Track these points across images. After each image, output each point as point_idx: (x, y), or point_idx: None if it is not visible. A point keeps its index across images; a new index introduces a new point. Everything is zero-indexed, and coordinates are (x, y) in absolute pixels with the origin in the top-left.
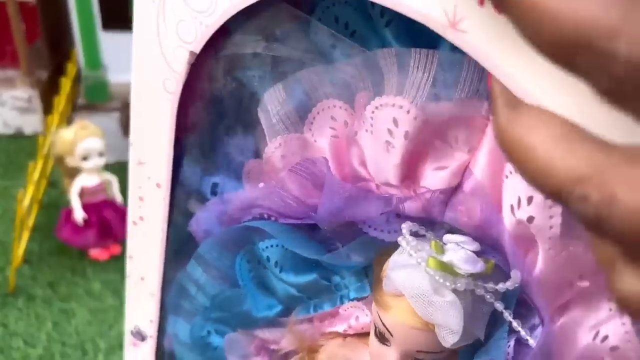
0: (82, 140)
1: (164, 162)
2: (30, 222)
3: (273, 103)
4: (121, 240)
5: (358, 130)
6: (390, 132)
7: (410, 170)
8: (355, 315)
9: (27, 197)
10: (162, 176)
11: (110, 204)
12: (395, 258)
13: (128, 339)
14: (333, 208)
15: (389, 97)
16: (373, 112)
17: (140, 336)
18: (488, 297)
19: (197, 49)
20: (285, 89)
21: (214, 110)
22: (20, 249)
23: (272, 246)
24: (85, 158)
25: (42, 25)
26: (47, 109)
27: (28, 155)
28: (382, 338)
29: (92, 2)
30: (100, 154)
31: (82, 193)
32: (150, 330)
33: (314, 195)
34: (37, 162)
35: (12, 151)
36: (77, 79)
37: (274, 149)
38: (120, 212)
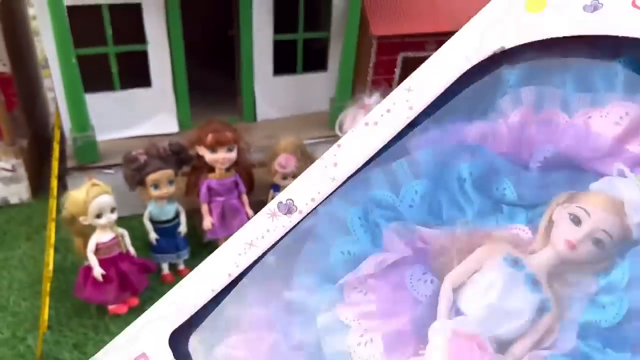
0: (94, 198)
1: None
2: (48, 288)
3: None
4: (140, 292)
5: None
6: None
7: None
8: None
9: (51, 262)
10: None
11: (126, 256)
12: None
13: (270, 207)
14: None
15: None
16: None
17: (286, 208)
18: None
19: None
20: None
21: None
22: (45, 315)
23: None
24: (98, 216)
25: (19, 94)
26: (32, 175)
27: (19, 225)
28: (577, 220)
29: (77, 69)
30: (112, 210)
31: (97, 250)
32: (303, 207)
33: None
34: (50, 225)
35: (2, 222)
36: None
37: None
38: (137, 264)
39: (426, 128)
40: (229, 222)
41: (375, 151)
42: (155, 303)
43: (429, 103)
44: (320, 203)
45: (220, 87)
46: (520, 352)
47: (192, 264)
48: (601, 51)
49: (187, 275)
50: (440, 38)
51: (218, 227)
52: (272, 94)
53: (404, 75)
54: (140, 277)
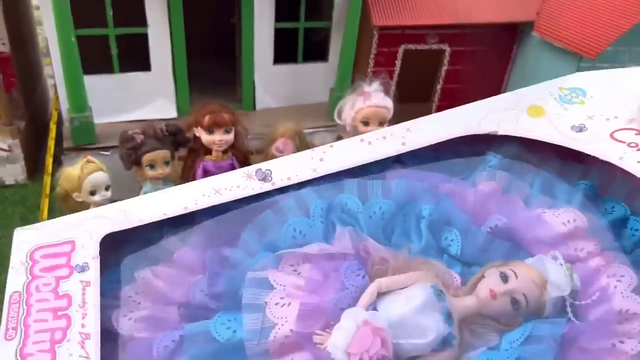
0: (88, 174)
1: None
2: None
3: None
4: None
5: None
6: None
7: None
8: None
9: None
10: None
11: None
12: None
13: (248, 169)
14: None
15: None
16: None
17: (263, 176)
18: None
19: None
20: None
21: None
22: None
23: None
24: (92, 192)
25: (18, 75)
26: (28, 156)
27: (13, 205)
28: (505, 278)
29: (76, 48)
30: (107, 188)
31: None
32: (278, 181)
33: None
34: (44, 201)
35: None
36: (57, 124)
37: None
38: None
39: (407, 164)
40: None
41: (359, 164)
42: (108, 205)
43: (419, 147)
44: (293, 184)
45: (220, 75)
46: None
47: None
48: (571, 170)
49: (147, 194)
50: (441, 31)
51: None
52: (272, 82)
53: (404, 68)
54: None
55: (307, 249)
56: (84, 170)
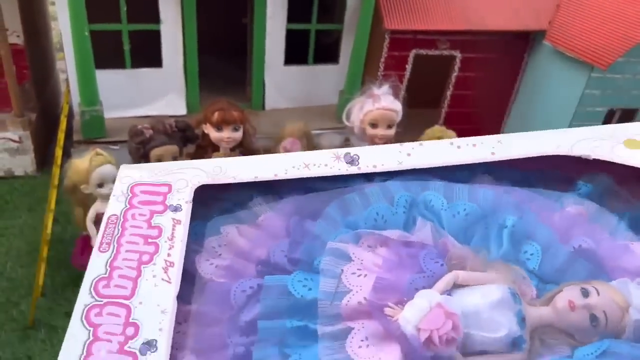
0: (96, 167)
1: None
2: (45, 254)
3: None
4: None
5: None
6: None
7: None
8: None
9: (49, 225)
10: None
11: None
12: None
13: (338, 151)
14: None
15: None
16: None
17: (350, 159)
18: None
19: None
20: None
21: None
22: (40, 281)
23: None
24: (100, 185)
25: (31, 68)
26: (38, 148)
27: (22, 196)
28: (585, 293)
29: (89, 42)
30: (114, 180)
31: (97, 220)
32: (364, 167)
33: None
34: (51, 192)
35: (4, 192)
36: (68, 118)
37: None
38: None
39: (496, 177)
40: None
41: (445, 165)
42: (204, 160)
43: (508, 158)
44: (378, 172)
45: (231, 74)
46: None
47: None
48: None
49: (242, 157)
50: (452, 37)
51: None
52: (282, 83)
53: (414, 73)
54: None
55: (386, 233)
56: (92, 163)
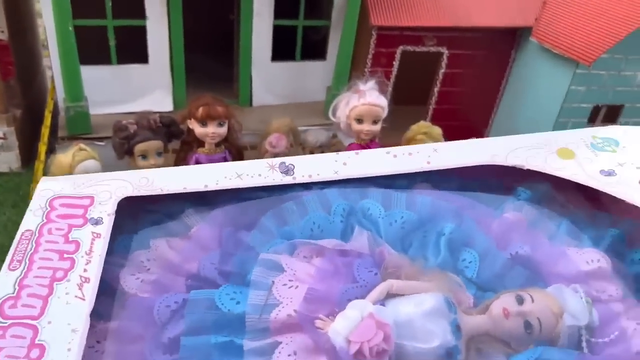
0: (79, 162)
1: None
2: None
3: None
4: None
5: None
6: None
7: None
8: None
9: None
10: None
11: None
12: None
13: (273, 161)
14: None
15: None
16: None
17: (285, 169)
18: None
19: None
20: None
21: None
22: None
23: None
24: None
25: (16, 64)
26: (23, 145)
27: (6, 192)
28: (520, 300)
29: (73, 37)
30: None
31: None
32: (299, 176)
33: None
34: (33, 188)
35: None
36: (53, 114)
37: None
38: None
39: (435, 182)
40: None
41: (380, 175)
42: (131, 171)
43: (444, 168)
44: (313, 182)
45: (218, 70)
46: None
47: None
48: (600, 217)
49: (171, 168)
50: (439, 34)
51: None
52: (269, 79)
53: (402, 69)
54: None
55: (322, 242)
56: (75, 158)
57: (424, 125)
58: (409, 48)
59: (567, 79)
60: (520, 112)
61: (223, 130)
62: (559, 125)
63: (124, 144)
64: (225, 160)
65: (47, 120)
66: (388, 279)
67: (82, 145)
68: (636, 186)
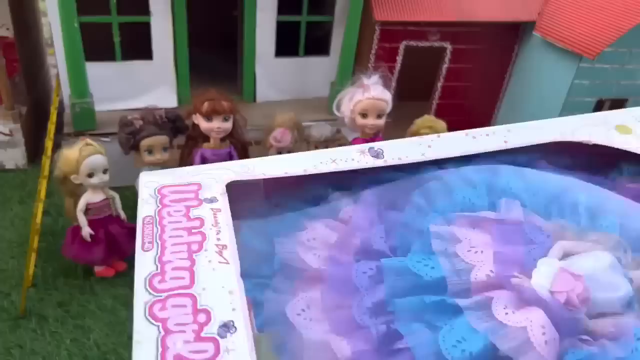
0: (86, 157)
1: None
2: (35, 244)
3: None
4: (128, 257)
5: None
6: None
7: None
8: None
9: (39, 215)
10: None
11: (116, 219)
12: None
13: (362, 147)
14: None
15: None
16: None
17: (375, 153)
18: None
19: None
20: None
21: None
22: (30, 270)
23: None
24: (90, 175)
25: (21, 61)
26: (29, 142)
27: (12, 188)
28: None
29: (79, 34)
30: (104, 171)
31: (87, 210)
32: (389, 159)
33: None
34: (41, 183)
35: None
36: (59, 110)
37: None
38: (127, 228)
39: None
40: None
41: (463, 155)
42: (233, 161)
43: (520, 145)
44: (403, 164)
45: (222, 66)
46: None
47: None
48: None
49: (271, 156)
50: (443, 28)
51: None
52: (273, 75)
53: (405, 64)
54: (129, 241)
55: (483, 214)
56: (82, 153)
57: (428, 119)
58: (412, 43)
59: (570, 72)
60: (524, 106)
61: (228, 125)
62: None
63: (130, 139)
64: (230, 155)
65: (53, 117)
66: (559, 241)
67: (89, 140)
68: None
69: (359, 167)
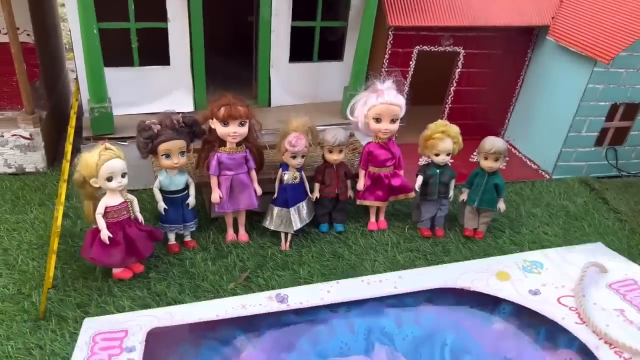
0: (106, 161)
1: None
2: (55, 246)
3: None
4: (145, 259)
5: None
6: None
7: None
8: None
9: (60, 218)
10: None
11: (133, 222)
12: None
13: (269, 293)
14: None
15: None
16: None
17: (280, 299)
18: None
19: None
20: None
21: None
22: (50, 272)
23: None
24: (109, 179)
25: (41, 66)
26: (48, 145)
27: (32, 191)
28: None
29: (98, 40)
30: (123, 175)
31: (106, 213)
32: (292, 304)
33: None
34: (61, 186)
35: (16, 188)
36: (78, 115)
37: None
38: (145, 231)
39: (435, 300)
40: (237, 196)
41: (358, 299)
42: (157, 309)
43: (407, 292)
44: (303, 308)
45: (237, 72)
46: None
47: (198, 236)
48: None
49: (190, 304)
50: (456, 33)
51: (226, 201)
52: (288, 80)
53: (418, 69)
54: (146, 243)
55: (352, 358)
56: (101, 157)
57: (441, 124)
58: (425, 48)
59: (584, 77)
60: (537, 111)
61: (244, 130)
62: (576, 124)
63: (148, 143)
64: (246, 159)
65: (72, 121)
66: None
67: (108, 145)
68: (555, 303)
69: (263, 312)
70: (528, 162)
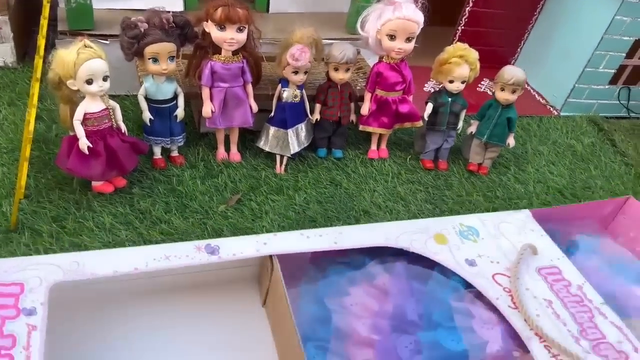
0: (85, 61)
1: None
2: (27, 153)
3: None
4: (128, 172)
5: None
6: None
7: None
8: None
9: (32, 122)
10: None
11: (116, 132)
12: None
13: (196, 243)
14: None
15: None
16: None
17: (211, 250)
18: None
19: None
20: None
21: None
22: (22, 181)
23: None
24: (88, 81)
25: None
26: (18, 37)
27: (1, 88)
28: None
29: None
30: (105, 78)
31: (85, 120)
32: (225, 255)
33: None
34: (34, 86)
35: None
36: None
37: None
38: (127, 142)
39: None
40: (231, 112)
41: (295, 252)
42: (60, 254)
43: (347, 247)
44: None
45: None
46: None
47: (186, 152)
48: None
49: (99, 251)
50: None
51: (218, 116)
52: None
53: None
54: (129, 156)
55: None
56: (80, 56)
57: (460, 47)
58: None
59: (613, 7)
60: (554, 41)
61: (242, 36)
62: (595, 59)
63: (134, 44)
64: (242, 70)
65: (46, 11)
66: None
67: (88, 42)
68: (491, 280)
69: (191, 264)
70: (537, 96)
